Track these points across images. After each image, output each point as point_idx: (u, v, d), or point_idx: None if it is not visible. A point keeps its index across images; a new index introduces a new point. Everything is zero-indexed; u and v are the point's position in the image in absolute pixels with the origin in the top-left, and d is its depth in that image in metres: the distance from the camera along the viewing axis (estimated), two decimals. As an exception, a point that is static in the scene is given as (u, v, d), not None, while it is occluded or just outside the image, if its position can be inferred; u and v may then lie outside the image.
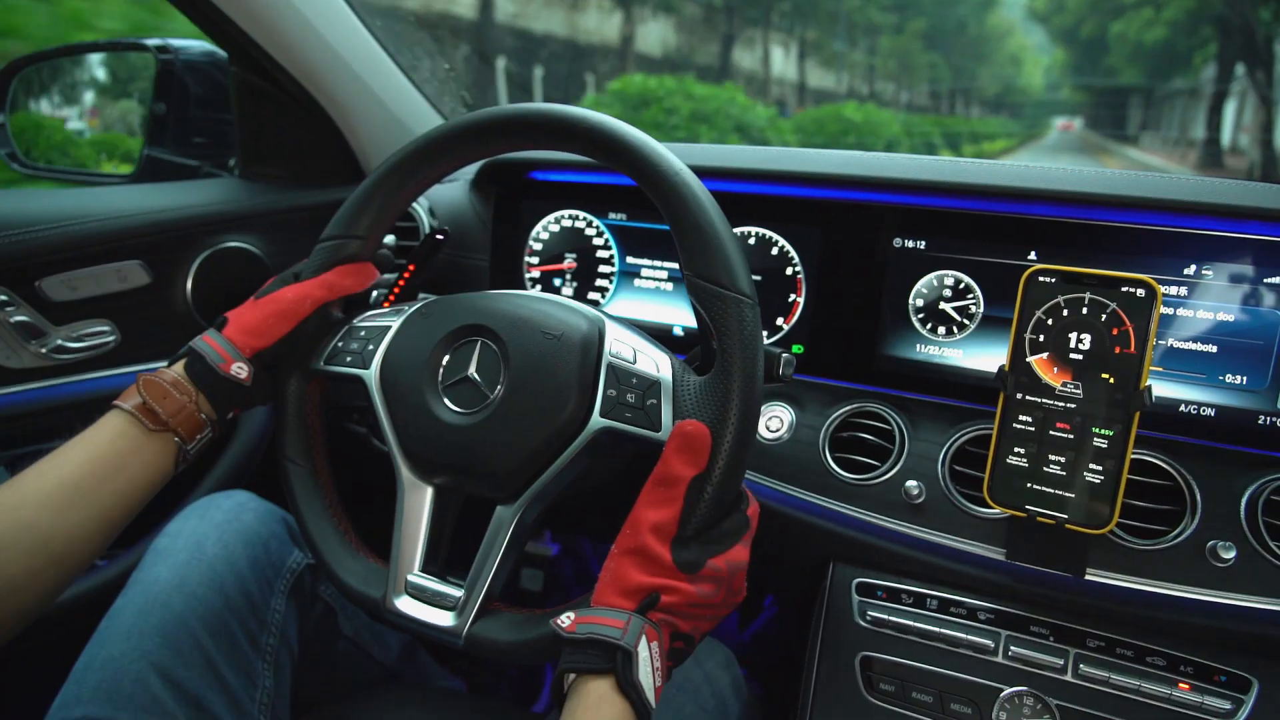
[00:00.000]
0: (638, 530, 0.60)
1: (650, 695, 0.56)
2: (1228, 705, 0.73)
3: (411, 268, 0.90)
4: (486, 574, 0.65)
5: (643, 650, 0.56)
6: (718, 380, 0.62)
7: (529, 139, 0.74)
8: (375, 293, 0.92)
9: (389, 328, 0.74)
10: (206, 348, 0.71)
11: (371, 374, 0.72)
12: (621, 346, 0.67)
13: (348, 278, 0.76)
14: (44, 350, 0.94)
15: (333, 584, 0.71)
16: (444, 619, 0.65)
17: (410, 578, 0.67)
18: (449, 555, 0.70)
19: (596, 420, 0.65)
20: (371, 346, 0.73)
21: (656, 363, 0.66)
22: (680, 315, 1.05)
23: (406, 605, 0.67)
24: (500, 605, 0.66)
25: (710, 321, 0.63)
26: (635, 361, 0.66)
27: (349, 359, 0.74)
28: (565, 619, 0.58)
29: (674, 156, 0.66)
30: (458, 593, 0.66)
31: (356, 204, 0.77)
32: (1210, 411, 0.82)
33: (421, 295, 0.91)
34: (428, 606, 0.66)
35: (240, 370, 0.71)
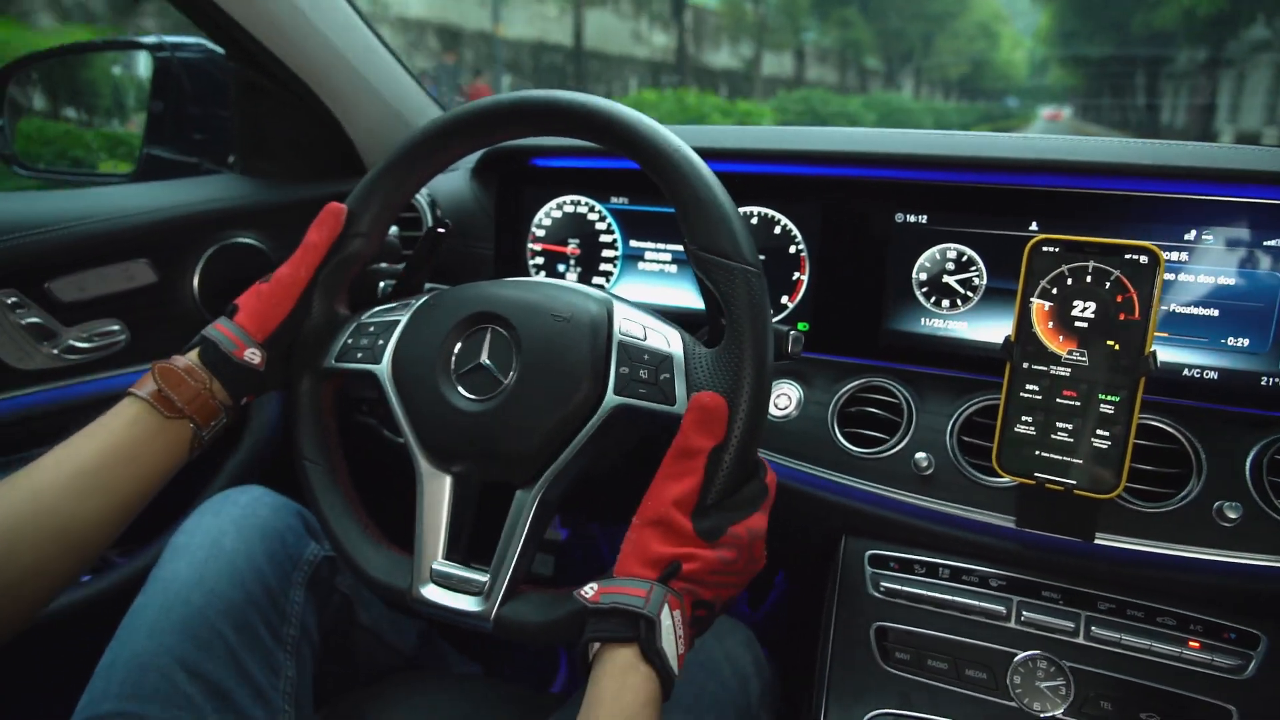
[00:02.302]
0: (659, 501, 0.61)
1: (674, 663, 0.57)
2: (1237, 661, 0.74)
3: (416, 259, 0.91)
4: (510, 557, 0.66)
5: (665, 618, 0.57)
6: (730, 351, 0.63)
7: (527, 126, 0.74)
8: (382, 284, 0.92)
9: (398, 322, 0.74)
10: (219, 335, 0.72)
11: (383, 368, 0.73)
12: (631, 325, 0.68)
13: (323, 229, 0.76)
14: (55, 351, 0.95)
15: (358, 579, 0.72)
16: (471, 604, 0.66)
17: (435, 566, 0.68)
18: (471, 542, 0.71)
19: (611, 398, 0.66)
20: (381, 341, 0.74)
21: (667, 338, 0.67)
22: (685, 297, 1.06)
23: (433, 593, 0.67)
24: (526, 588, 0.67)
25: (718, 293, 0.64)
26: (646, 339, 0.67)
27: (360, 355, 0.74)
28: (589, 590, 0.59)
29: (672, 134, 0.67)
30: (483, 578, 0.67)
31: (357, 201, 0.77)
32: (1213, 375, 0.84)
33: (429, 286, 0.92)
34: (454, 593, 0.67)
35: (253, 356, 0.72)
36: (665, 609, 0.57)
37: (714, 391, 0.62)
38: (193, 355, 0.71)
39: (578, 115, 0.69)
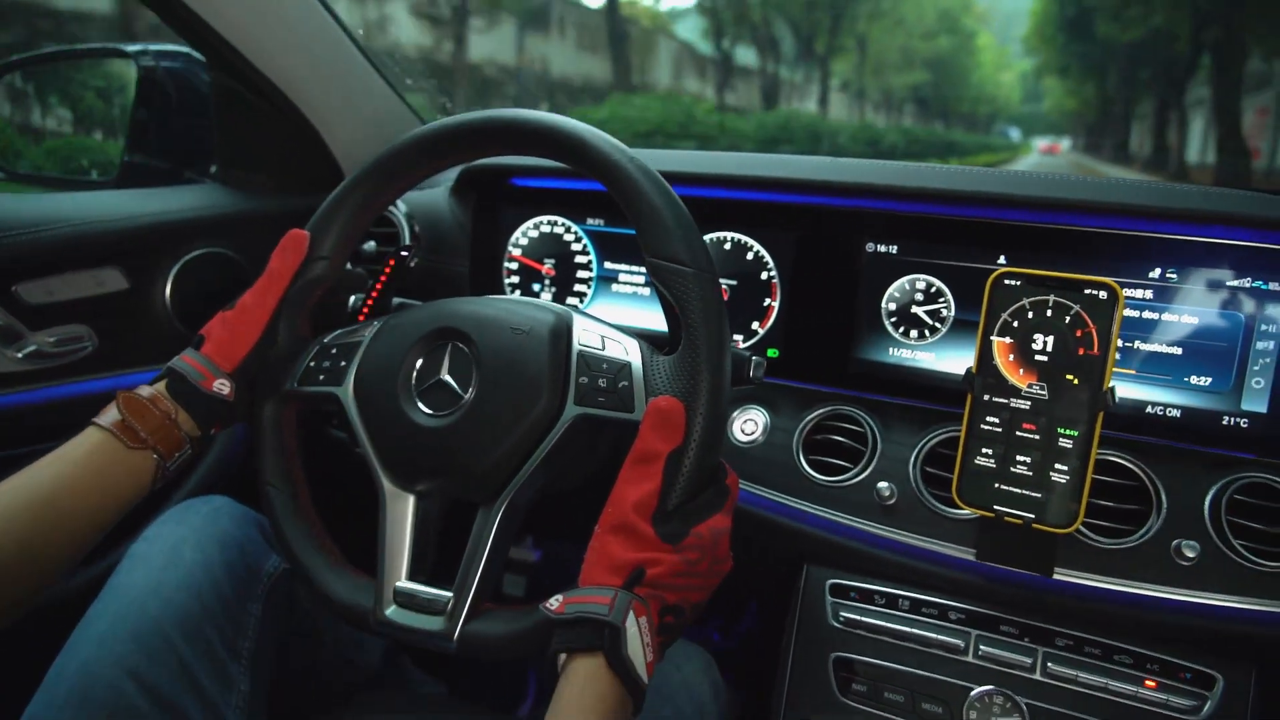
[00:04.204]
0: (620, 508, 0.61)
1: (642, 671, 0.56)
2: (1193, 702, 0.74)
3: (381, 284, 0.91)
4: (474, 575, 0.65)
5: (630, 625, 0.56)
6: (686, 355, 0.63)
7: (488, 146, 0.75)
8: (353, 299, 0.92)
9: (360, 343, 0.75)
10: (187, 367, 0.72)
11: (346, 390, 0.73)
12: (589, 335, 0.69)
13: (286, 256, 0.76)
14: (20, 355, 0.94)
15: (322, 604, 0.71)
16: (434, 624, 0.65)
17: (398, 585, 0.68)
18: (436, 563, 0.71)
19: (571, 408, 0.66)
20: (344, 363, 0.74)
21: (625, 347, 0.67)
22: (657, 319, 1.05)
23: (396, 614, 0.67)
24: (490, 605, 0.66)
25: (673, 299, 0.64)
26: (604, 348, 0.67)
27: (322, 377, 0.74)
28: (554, 601, 0.59)
29: (623, 145, 0.68)
30: (447, 595, 0.66)
31: (317, 225, 0.77)
32: (1176, 413, 0.84)
33: (399, 301, 0.92)
34: (417, 613, 0.66)
35: (222, 387, 0.72)
36: (630, 615, 0.57)
37: (670, 395, 0.62)
38: (159, 386, 0.71)
39: (535, 133, 0.70)
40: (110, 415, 0.68)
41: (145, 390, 0.70)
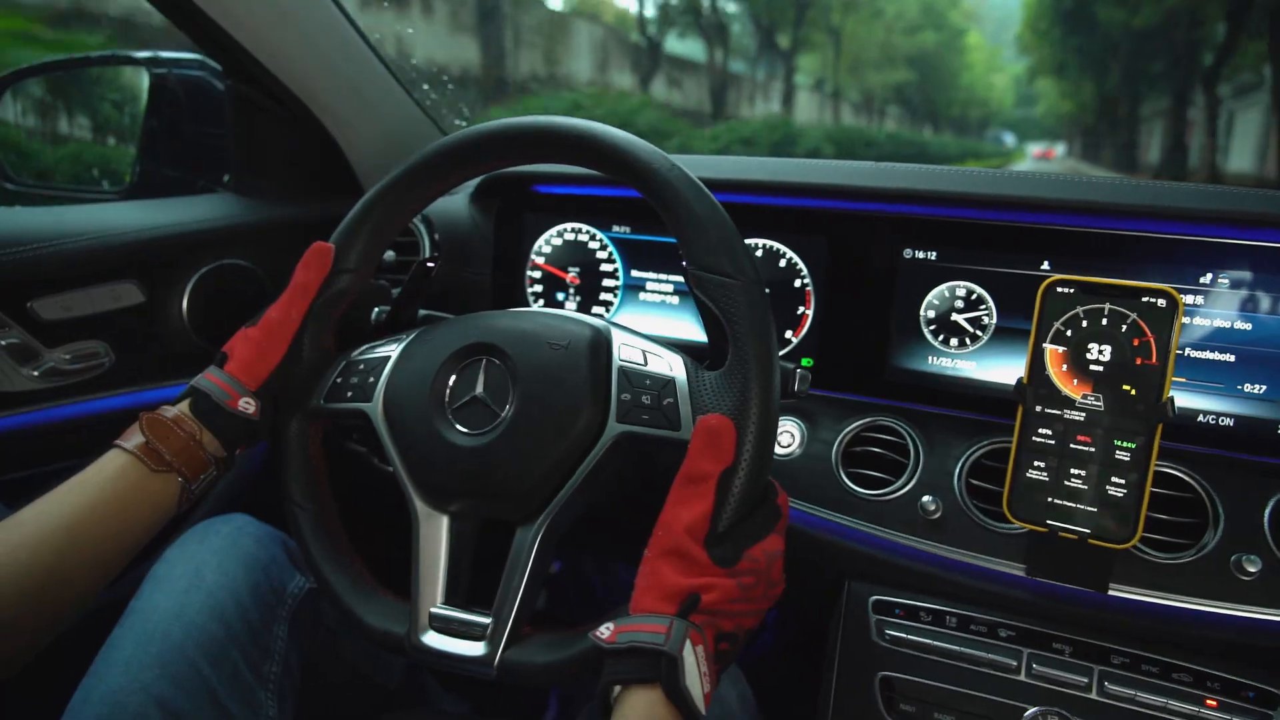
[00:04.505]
0: (671, 531, 0.58)
1: (699, 703, 0.54)
2: (1257, 722, 0.71)
3: (404, 295, 0.88)
4: (513, 599, 0.63)
5: (688, 655, 0.54)
6: (734, 371, 0.61)
7: (520, 154, 0.73)
8: (376, 310, 0.90)
9: (389, 357, 0.72)
10: (211, 385, 0.70)
11: (375, 406, 0.70)
12: (630, 351, 0.66)
13: (310, 270, 0.74)
14: (37, 373, 0.92)
15: (355, 629, 0.68)
16: (473, 650, 0.63)
17: (434, 610, 0.65)
18: (472, 584, 0.68)
19: (614, 426, 0.63)
20: (372, 379, 0.72)
21: (669, 363, 0.65)
22: (687, 329, 1.04)
23: (433, 640, 0.64)
24: (530, 629, 0.64)
25: (719, 312, 0.62)
26: (646, 364, 0.65)
27: (350, 394, 0.72)
28: (605, 630, 0.57)
29: (665, 154, 0.66)
30: (485, 621, 0.64)
31: (342, 237, 0.75)
32: (1229, 421, 0.81)
33: (424, 313, 0.89)
34: (455, 639, 0.64)
35: (248, 405, 0.70)
36: (687, 645, 0.55)
37: (720, 413, 0.60)
38: (183, 406, 0.69)
39: (571, 140, 0.68)
40: (134, 438, 0.66)
41: (169, 411, 0.68)
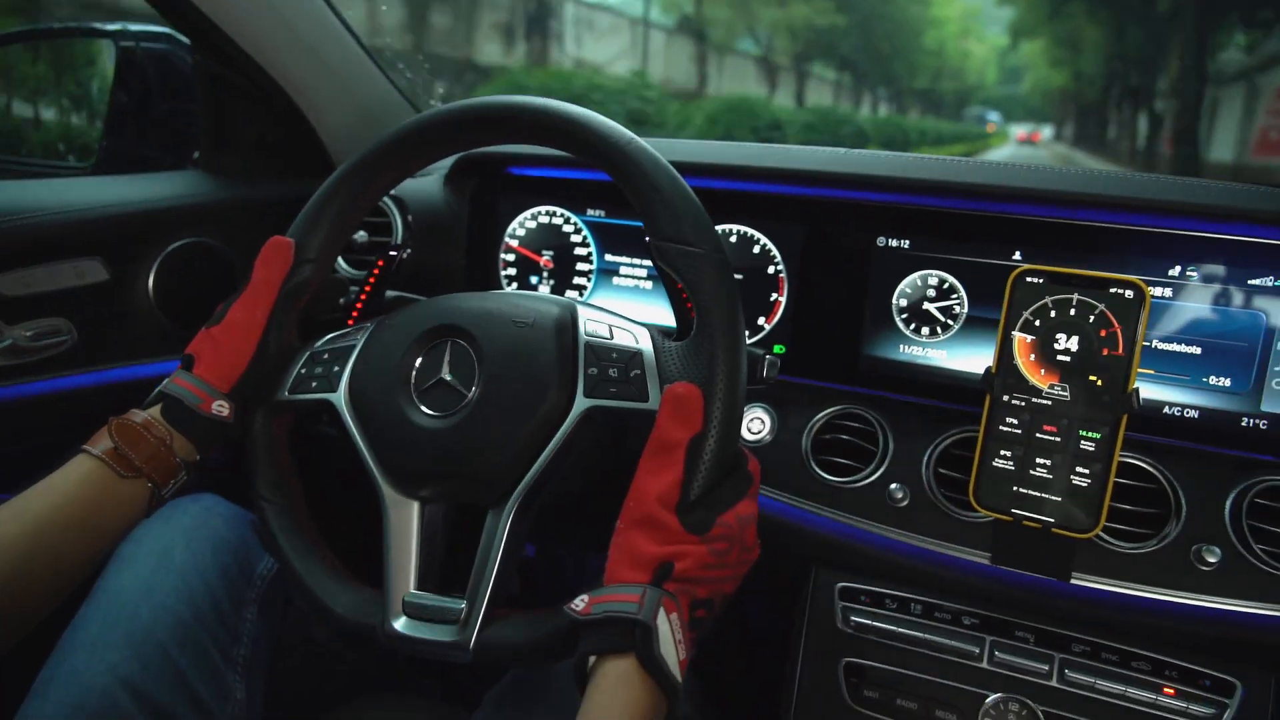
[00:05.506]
0: (642, 500, 0.59)
1: (675, 671, 0.54)
2: (1212, 710, 0.73)
3: (370, 285, 0.87)
4: (487, 581, 0.62)
5: (662, 623, 0.54)
6: (700, 339, 0.61)
7: (484, 135, 0.73)
8: (342, 299, 0.89)
9: (353, 346, 0.72)
10: (182, 390, 0.69)
11: (340, 395, 0.70)
12: (596, 325, 0.66)
13: (271, 266, 0.73)
14: (-5, 350, 0.90)
15: (326, 621, 0.68)
16: (448, 634, 0.62)
17: (407, 597, 0.65)
18: (445, 570, 0.68)
19: (581, 401, 0.63)
20: (337, 368, 0.71)
21: (635, 335, 0.65)
22: (660, 314, 1.03)
23: (406, 626, 0.63)
24: (504, 611, 0.64)
25: (683, 282, 0.62)
26: (613, 337, 0.65)
27: (315, 384, 0.71)
28: (579, 602, 0.57)
29: (622, 127, 0.66)
30: (459, 605, 0.63)
31: (300, 230, 0.74)
32: (1194, 414, 0.82)
33: (394, 294, 0.88)
34: (429, 624, 0.63)
35: (221, 408, 0.70)
36: (661, 613, 0.55)
37: (686, 381, 0.60)
38: (153, 411, 0.68)
39: (532, 119, 0.67)
40: (102, 443, 0.65)
41: (138, 415, 0.67)
